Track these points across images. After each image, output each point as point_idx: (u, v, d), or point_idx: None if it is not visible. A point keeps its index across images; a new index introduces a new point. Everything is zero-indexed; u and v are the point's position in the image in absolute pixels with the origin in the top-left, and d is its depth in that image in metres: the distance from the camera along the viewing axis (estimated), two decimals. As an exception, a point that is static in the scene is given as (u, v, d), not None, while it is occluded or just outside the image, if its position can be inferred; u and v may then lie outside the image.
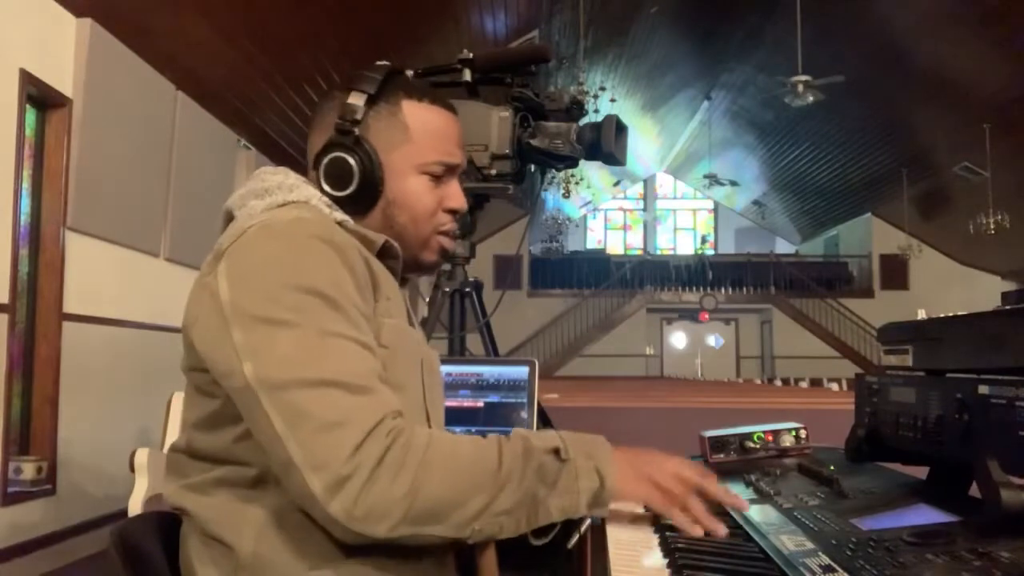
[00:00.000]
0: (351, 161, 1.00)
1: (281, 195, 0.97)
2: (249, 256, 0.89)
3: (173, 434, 3.26)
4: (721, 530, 0.89)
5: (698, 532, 0.89)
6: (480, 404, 1.51)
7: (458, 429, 1.49)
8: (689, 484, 0.92)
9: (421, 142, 1.02)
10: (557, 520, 0.89)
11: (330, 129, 1.02)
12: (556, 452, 0.89)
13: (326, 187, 1.00)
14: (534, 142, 1.61)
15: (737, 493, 0.96)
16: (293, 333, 0.83)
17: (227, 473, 0.90)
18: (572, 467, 0.88)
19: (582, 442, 0.92)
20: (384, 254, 1.01)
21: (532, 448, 0.88)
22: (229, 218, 1.01)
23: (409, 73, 1.15)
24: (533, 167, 1.71)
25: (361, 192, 1.00)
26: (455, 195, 1.06)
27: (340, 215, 0.98)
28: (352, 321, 0.87)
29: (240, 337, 0.84)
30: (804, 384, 9.41)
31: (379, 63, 1.06)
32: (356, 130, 1.00)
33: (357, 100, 1.01)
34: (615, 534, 0.93)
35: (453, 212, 1.06)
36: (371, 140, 1.01)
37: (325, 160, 1.01)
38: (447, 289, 1.79)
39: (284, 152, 6.65)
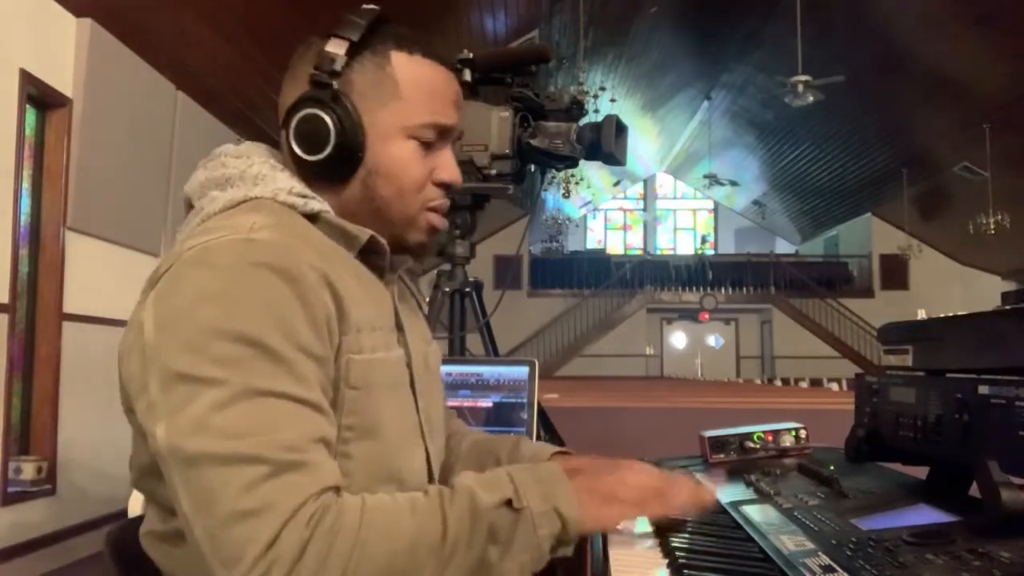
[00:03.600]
0: (327, 119, 0.85)
1: (244, 188, 0.84)
2: (179, 291, 0.75)
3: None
4: (711, 496, 0.88)
5: (674, 514, 0.86)
6: (489, 404, 1.51)
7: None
8: (657, 489, 0.86)
9: (411, 100, 0.87)
10: None
11: (304, 81, 0.87)
12: (508, 503, 0.76)
13: (296, 149, 0.86)
14: (534, 142, 1.61)
15: (704, 482, 0.94)
16: (214, 394, 0.69)
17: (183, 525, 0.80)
18: (528, 516, 0.76)
19: (536, 481, 0.79)
20: (367, 251, 0.88)
21: (480, 507, 0.75)
22: (189, 206, 0.90)
23: None
24: (533, 167, 1.71)
25: (337, 157, 0.85)
26: (448, 165, 0.91)
27: (316, 205, 0.86)
28: (294, 374, 0.73)
29: (156, 392, 0.72)
30: (804, 384, 9.40)
31: (366, 6, 0.90)
32: (335, 83, 0.85)
33: (337, 48, 0.86)
34: (615, 534, 0.92)
35: (445, 186, 0.92)
36: (352, 96, 0.86)
37: (296, 117, 0.86)
38: (447, 289, 1.78)
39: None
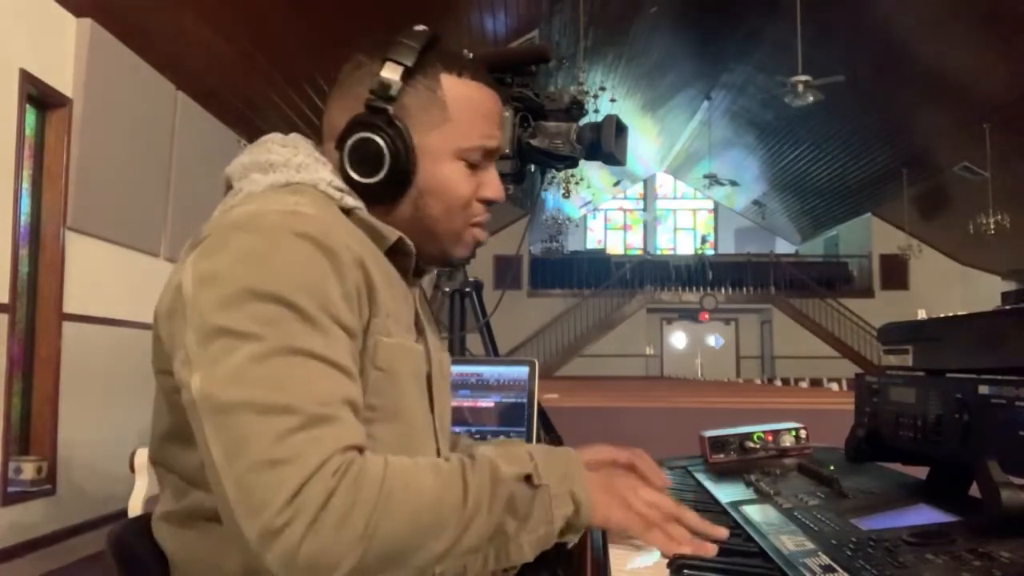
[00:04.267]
0: (382, 144, 0.87)
1: (286, 174, 0.87)
2: (223, 251, 0.77)
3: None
4: (721, 532, 0.84)
5: (678, 550, 0.81)
6: (489, 404, 1.51)
7: (460, 430, 1.49)
8: (666, 512, 0.85)
9: (461, 123, 0.90)
10: (530, 558, 0.79)
11: (357, 103, 0.89)
12: (528, 478, 0.79)
13: (351, 173, 0.88)
14: (534, 142, 1.61)
15: (716, 525, 0.87)
16: (252, 348, 0.72)
17: (198, 502, 0.81)
18: (545, 494, 0.79)
19: (555, 461, 0.82)
20: (396, 250, 0.90)
21: (501, 477, 0.78)
22: (228, 187, 0.91)
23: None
24: (533, 167, 1.71)
25: (391, 180, 0.88)
26: (492, 183, 0.95)
27: (352, 201, 0.88)
28: (327, 338, 0.75)
29: (194, 344, 0.74)
30: (804, 384, 9.40)
31: (417, 28, 0.93)
32: (390, 108, 0.88)
33: (392, 74, 0.88)
34: (615, 534, 0.92)
35: (489, 202, 0.95)
36: (405, 119, 0.88)
37: (351, 141, 0.88)
38: (447, 289, 1.78)
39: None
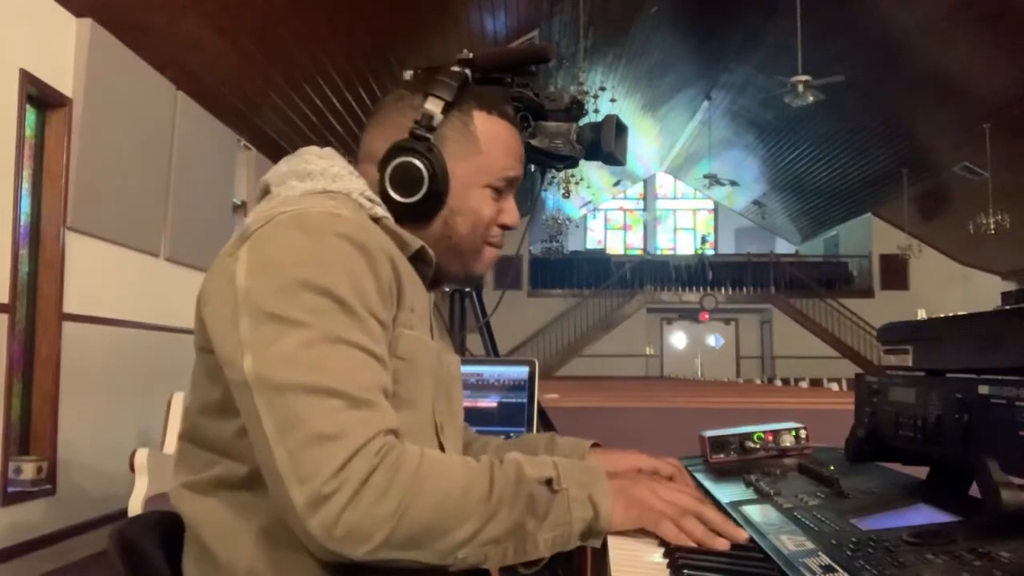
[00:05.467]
0: (422, 168, 0.97)
1: (323, 182, 0.95)
2: (273, 245, 0.85)
3: (173, 434, 3.26)
4: (741, 535, 0.86)
5: (685, 542, 0.85)
6: (489, 404, 1.51)
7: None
8: (686, 509, 0.89)
9: (491, 156, 1.02)
10: (546, 555, 0.84)
11: (401, 130, 0.99)
12: (548, 482, 0.85)
13: (391, 192, 0.98)
14: (534, 142, 1.61)
15: (738, 527, 0.88)
16: (302, 334, 0.80)
17: (226, 470, 0.88)
18: (564, 498, 0.85)
19: (577, 470, 0.88)
20: (416, 258, 0.98)
21: (525, 477, 0.84)
22: (266, 192, 0.98)
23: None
24: (533, 167, 1.71)
25: (426, 201, 0.98)
26: (511, 211, 1.06)
27: (381, 211, 0.96)
28: (366, 330, 0.83)
29: (247, 328, 0.81)
30: (804, 384, 9.40)
31: (453, 68, 1.04)
32: (431, 137, 0.98)
33: (434, 107, 0.99)
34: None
35: (506, 227, 1.06)
36: (441, 147, 0.99)
37: (394, 163, 0.98)
38: (447, 289, 1.79)
39: (284, 152, 6.63)
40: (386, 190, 0.98)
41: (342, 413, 0.77)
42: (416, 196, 0.98)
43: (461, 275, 1.06)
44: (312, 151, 1.00)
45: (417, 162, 0.97)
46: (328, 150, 1.01)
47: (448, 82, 1.01)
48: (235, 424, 0.85)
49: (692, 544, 0.85)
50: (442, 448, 0.98)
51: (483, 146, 1.01)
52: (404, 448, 0.80)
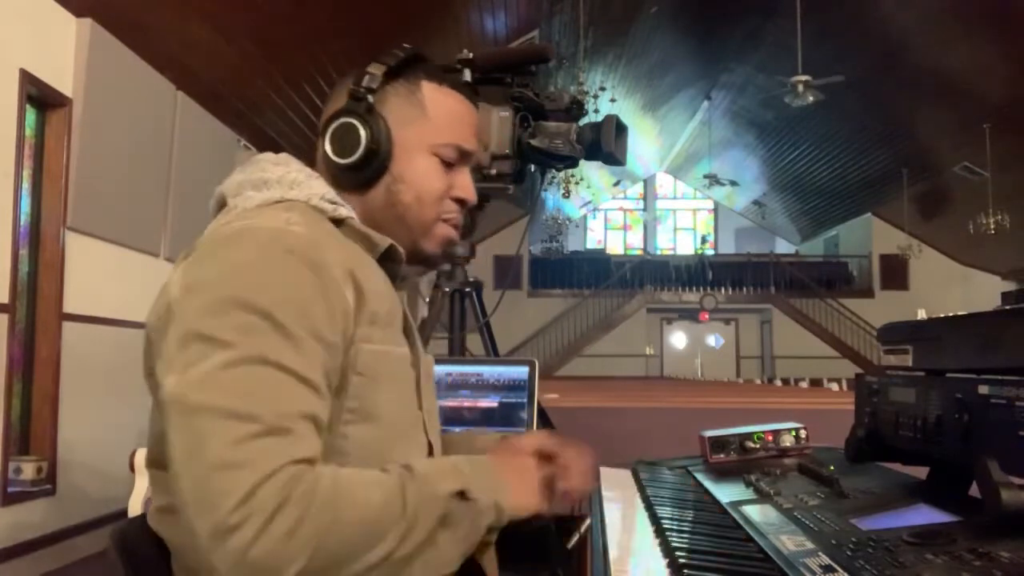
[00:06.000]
0: (359, 127, 0.95)
1: (280, 190, 0.92)
2: (212, 261, 0.82)
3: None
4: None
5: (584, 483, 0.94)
6: (489, 404, 1.51)
7: (461, 430, 1.49)
8: (546, 455, 0.94)
9: (437, 122, 0.98)
10: (454, 568, 0.82)
11: (344, 97, 0.97)
12: (461, 495, 0.82)
13: (330, 153, 0.96)
14: (534, 142, 1.61)
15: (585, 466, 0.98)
16: (225, 355, 0.75)
17: None
18: (475, 508, 0.83)
19: (483, 473, 0.87)
20: (386, 257, 0.95)
21: (437, 493, 0.81)
22: (222, 204, 0.95)
23: None
24: (533, 167, 1.71)
25: (366, 162, 0.95)
26: (466, 186, 1.01)
27: (344, 211, 0.93)
28: (301, 353, 0.78)
29: (173, 347, 0.78)
30: (804, 384, 9.41)
31: (406, 46, 1.01)
32: (370, 98, 0.96)
33: (376, 70, 0.97)
34: (615, 534, 0.93)
35: (461, 202, 1.01)
36: (385, 113, 0.96)
37: (333, 125, 0.96)
38: (447, 289, 1.79)
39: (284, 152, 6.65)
40: (327, 156, 0.96)
41: (251, 441, 0.72)
42: (354, 157, 0.95)
43: (409, 250, 0.99)
44: (267, 158, 0.97)
45: (355, 122, 0.95)
46: (283, 155, 0.98)
47: (395, 52, 0.99)
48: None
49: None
50: (430, 444, 0.98)
51: (429, 113, 0.98)
52: (315, 475, 0.75)
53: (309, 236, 0.84)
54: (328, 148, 0.96)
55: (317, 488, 0.74)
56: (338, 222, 0.93)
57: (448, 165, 0.99)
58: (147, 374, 0.87)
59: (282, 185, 0.92)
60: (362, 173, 0.96)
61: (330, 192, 0.94)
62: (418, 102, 0.98)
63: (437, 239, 1.01)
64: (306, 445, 0.76)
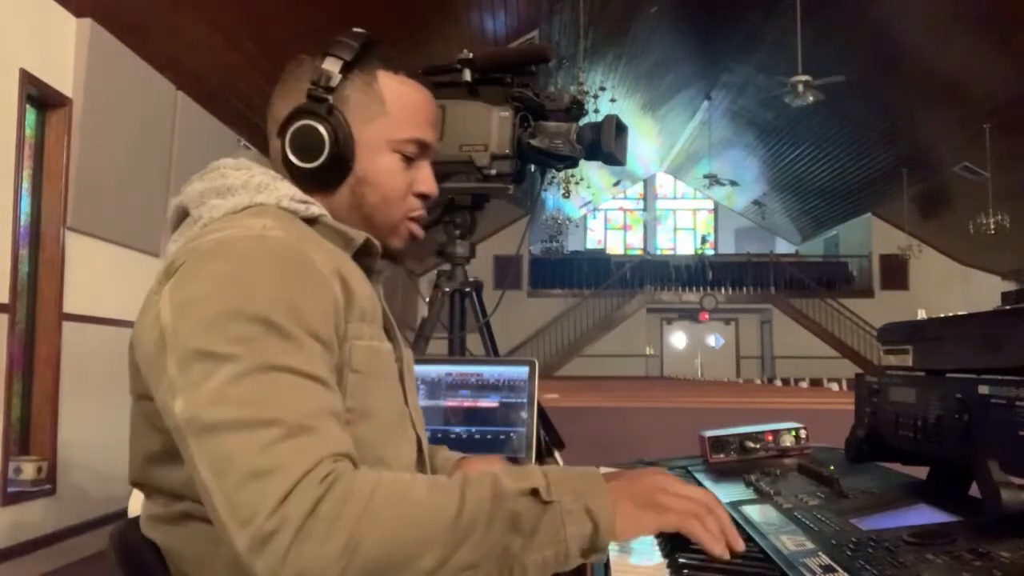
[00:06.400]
0: (322, 131, 0.91)
1: (247, 195, 0.89)
2: (198, 278, 0.79)
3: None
4: (740, 545, 0.79)
5: (721, 550, 0.78)
6: (489, 404, 1.51)
7: (461, 430, 1.49)
8: (702, 504, 0.80)
9: (396, 116, 0.95)
10: None
11: (299, 95, 0.93)
12: (535, 493, 0.75)
13: (292, 158, 0.92)
14: (534, 142, 1.61)
15: (739, 536, 0.81)
16: (232, 368, 0.73)
17: (190, 507, 0.82)
18: (556, 511, 0.75)
19: (570, 478, 0.78)
20: (362, 252, 0.94)
21: (503, 492, 0.75)
22: (182, 215, 0.92)
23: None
24: (533, 167, 1.71)
25: (330, 166, 0.92)
26: (426, 179, 0.98)
27: (316, 210, 0.91)
28: (305, 352, 0.77)
29: (175, 370, 0.75)
30: (804, 384, 9.41)
31: (356, 30, 0.97)
32: (330, 98, 0.92)
33: (332, 66, 0.93)
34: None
35: (423, 197, 0.99)
36: (343, 110, 0.93)
37: (292, 128, 0.92)
38: (447, 289, 1.78)
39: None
40: (287, 157, 0.93)
41: (278, 444, 0.71)
42: (317, 161, 0.92)
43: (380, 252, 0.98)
44: (226, 163, 0.94)
45: (316, 124, 0.91)
46: (242, 160, 0.95)
47: (348, 42, 0.95)
48: (184, 471, 0.77)
49: (717, 545, 0.78)
50: (419, 439, 0.97)
51: (388, 107, 0.94)
52: (356, 474, 0.73)
53: (290, 239, 0.83)
54: (289, 152, 0.92)
55: (355, 487, 0.71)
56: (311, 221, 0.91)
57: (408, 160, 0.97)
58: (136, 396, 0.86)
59: (248, 190, 0.89)
60: (326, 177, 0.93)
61: (298, 192, 0.92)
62: (376, 95, 0.94)
63: (403, 236, 1.00)
64: (334, 440, 0.74)
